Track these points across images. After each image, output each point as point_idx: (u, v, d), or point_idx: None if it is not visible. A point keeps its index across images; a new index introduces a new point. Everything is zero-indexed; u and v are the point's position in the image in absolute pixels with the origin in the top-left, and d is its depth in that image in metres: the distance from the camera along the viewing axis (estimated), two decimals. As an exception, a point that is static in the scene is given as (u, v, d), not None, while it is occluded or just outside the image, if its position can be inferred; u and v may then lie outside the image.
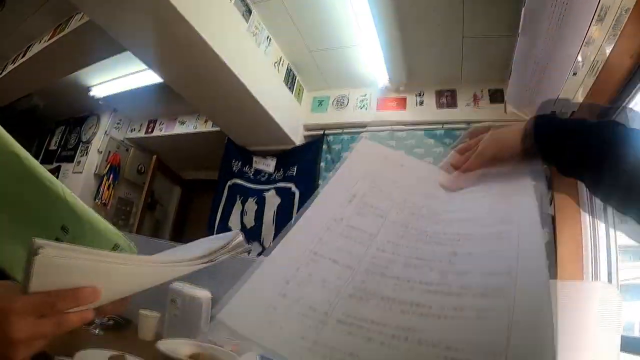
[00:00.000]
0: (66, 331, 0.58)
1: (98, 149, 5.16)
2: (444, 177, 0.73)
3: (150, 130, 5.35)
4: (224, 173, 4.49)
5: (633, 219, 0.59)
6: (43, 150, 5.81)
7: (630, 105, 2.33)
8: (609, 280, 2.56)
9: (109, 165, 5.16)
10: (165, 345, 1.18)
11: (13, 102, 4.95)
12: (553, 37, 2.34)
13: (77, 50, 3.73)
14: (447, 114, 3.80)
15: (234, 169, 4.45)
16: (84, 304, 0.58)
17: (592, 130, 0.65)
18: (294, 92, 4.03)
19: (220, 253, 0.72)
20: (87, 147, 5.21)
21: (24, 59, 4.13)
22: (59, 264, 0.54)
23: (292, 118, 4.04)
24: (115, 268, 0.60)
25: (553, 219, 2.94)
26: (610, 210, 2.57)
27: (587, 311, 1.37)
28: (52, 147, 5.73)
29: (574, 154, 0.65)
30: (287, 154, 4.22)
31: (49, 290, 0.55)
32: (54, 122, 5.84)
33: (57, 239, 0.72)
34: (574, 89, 2.51)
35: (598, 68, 2.23)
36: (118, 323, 1.80)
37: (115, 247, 0.78)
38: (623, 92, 2.29)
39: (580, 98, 2.45)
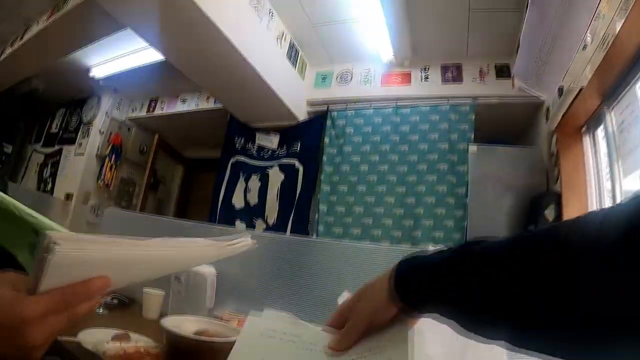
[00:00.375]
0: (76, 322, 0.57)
1: (99, 130, 5.13)
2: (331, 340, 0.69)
3: (151, 109, 5.30)
4: (226, 150, 4.47)
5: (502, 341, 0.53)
6: (44, 134, 5.79)
7: (638, 85, 2.28)
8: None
9: (110, 146, 5.14)
10: (170, 322, 1.15)
11: (13, 86, 4.91)
12: (562, 10, 2.29)
13: (76, 30, 3.67)
14: (452, 89, 3.77)
15: (236, 146, 4.43)
16: (96, 296, 0.57)
17: (442, 269, 0.59)
18: (297, 67, 3.99)
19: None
20: (89, 128, 5.18)
21: (22, 41, 4.07)
22: (74, 258, 0.51)
23: (295, 93, 4.00)
24: (127, 255, 0.58)
25: (559, 195, 2.91)
26: (618, 183, 2.54)
27: None
28: (54, 130, 5.70)
29: (429, 297, 0.61)
30: (290, 130, 4.20)
31: (60, 288, 0.53)
32: (55, 104, 5.79)
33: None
34: (582, 64, 2.46)
35: (608, 43, 2.17)
36: (122, 302, 1.79)
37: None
38: (633, 68, 2.24)
39: (588, 74, 2.39)
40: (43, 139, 5.76)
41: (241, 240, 0.75)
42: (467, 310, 0.56)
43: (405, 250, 1.49)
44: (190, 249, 0.68)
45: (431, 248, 1.19)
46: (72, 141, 5.30)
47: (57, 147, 5.43)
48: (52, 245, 0.48)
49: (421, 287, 0.61)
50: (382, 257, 1.44)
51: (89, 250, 0.52)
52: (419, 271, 0.62)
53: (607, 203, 2.71)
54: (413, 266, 0.64)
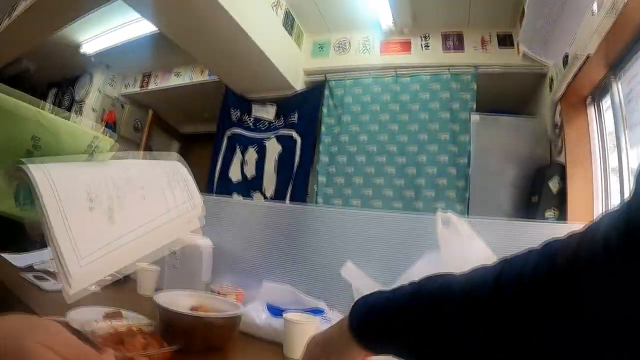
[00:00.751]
0: None
1: (92, 108, 5.07)
2: None
3: (144, 84, 5.21)
4: (222, 123, 4.41)
5: None
6: (37, 115, 5.70)
7: None
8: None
9: (104, 124, 5.07)
10: (164, 298, 1.09)
11: (3, 68, 4.79)
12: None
13: (64, 3, 3.56)
14: (453, 58, 3.70)
15: (232, 118, 4.37)
16: None
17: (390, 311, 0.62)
18: (293, 36, 3.91)
19: None
20: (81, 106, 5.11)
21: (10, 20, 3.94)
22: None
23: (292, 63, 3.94)
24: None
25: (563, 167, 2.87)
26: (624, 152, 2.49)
27: None
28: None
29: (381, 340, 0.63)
30: (287, 101, 4.13)
31: None
32: (47, 84, 5.70)
33: (28, 152, 0.71)
34: (590, 31, 2.38)
35: (617, 9, 2.09)
36: (116, 279, 1.73)
37: (90, 146, 0.77)
38: None
39: (596, 41, 2.32)
40: (36, 120, 5.68)
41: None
42: (416, 354, 0.58)
43: (408, 217, 1.42)
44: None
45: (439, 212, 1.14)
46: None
47: (50, 128, 5.35)
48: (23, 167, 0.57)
49: (372, 331, 0.63)
50: (384, 224, 1.38)
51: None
52: (370, 315, 0.64)
53: (612, 176, 2.68)
54: (365, 310, 0.66)
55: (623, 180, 2.50)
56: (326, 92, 3.99)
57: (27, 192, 0.68)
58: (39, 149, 0.71)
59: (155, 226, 0.74)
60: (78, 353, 0.53)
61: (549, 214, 2.85)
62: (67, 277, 0.62)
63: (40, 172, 0.60)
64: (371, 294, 0.67)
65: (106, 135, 0.80)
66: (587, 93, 2.85)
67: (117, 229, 0.68)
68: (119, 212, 0.69)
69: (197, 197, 0.85)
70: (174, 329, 1.01)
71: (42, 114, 0.75)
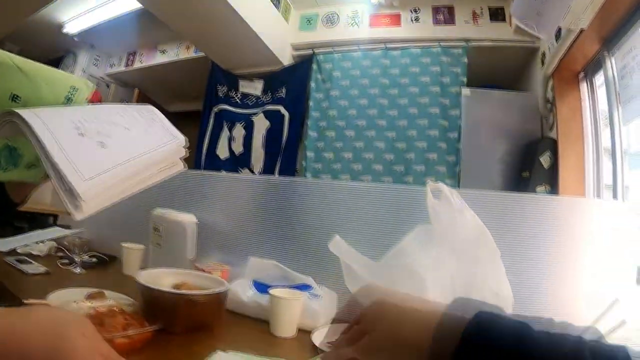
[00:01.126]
0: None
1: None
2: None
3: (130, 63, 5.15)
4: (209, 100, 4.36)
5: None
6: (22, 98, 5.60)
7: None
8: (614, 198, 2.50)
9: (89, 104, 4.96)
10: (146, 276, 1.05)
11: (-16, 51, 4.69)
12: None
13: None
14: (444, 31, 3.67)
15: (219, 94, 4.32)
16: None
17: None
18: (280, 9, 3.84)
19: None
20: (66, 87, 5.00)
21: (-12, 2, 3.83)
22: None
23: (280, 37, 3.89)
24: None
25: (555, 142, 2.86)
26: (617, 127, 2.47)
27: (594, 232, 1.27)
28: (31, 93, 5.51)
29: None
30: (275, 76, 4.09)
31: None
32: (31, 66, 5.58)
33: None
34: (584, 4, 2.35)
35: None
36: (102, 260, 1.70)
37: (72, 89, 0.81)
38: (638, 9, 2.16)
39: (589, 15, 2.28)
40: (21, 104, 5.59)
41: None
42: None
43: (398, 189, 1.39)
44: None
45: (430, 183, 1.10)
46: (49, 103, 5.15)
47: (34, 113, 5.28)
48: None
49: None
50: (373, 197, 1.35)
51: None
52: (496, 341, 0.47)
53: (603, 153, 2.68)
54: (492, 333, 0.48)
55: (615, 157, 2.49)
56: (314, 66, 3.94)
57: (8, 155, 0.74)
58: (18, 100, 0.73)
59: (147, 158, 0.75)
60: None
61: (540, 189, 2.84)
62: (74, 190, 0.61)
63: (28, 112, 0.63)
64: (503, 318, 0.50)
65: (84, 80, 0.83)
66: (580, 68, 2.84)
67: (110, 154, 0.69)
68: (109, 141, 0.70)
69: (179, 135, 0.82)
70: (155, 308, 0.98)
71: (20, 60, 0.78)
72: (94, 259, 1.68)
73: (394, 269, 1.07)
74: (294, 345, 1.03)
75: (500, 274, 1.09)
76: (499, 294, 1.08)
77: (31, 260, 1.52)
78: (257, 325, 1.13)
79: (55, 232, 1.90)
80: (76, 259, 1.53)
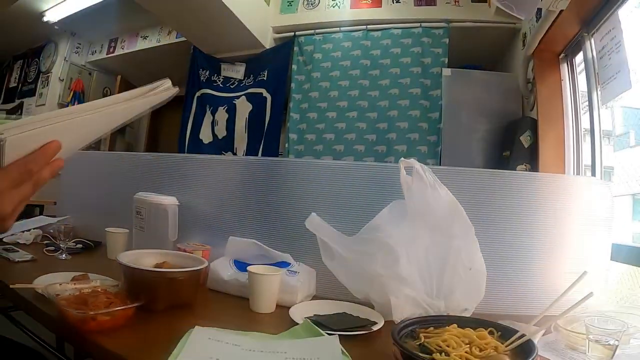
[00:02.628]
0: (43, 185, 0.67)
1: (59, 77, 4.97)
2: None
3: (111, 50, 5.10)
4: (191, 84, 4.35)
5: None
6: (3, 90, 5.57)
7: (620, 10, 2.20)
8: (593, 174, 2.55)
9: (72, 93, 4.99)
10: (127, 257, 1.08)
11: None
12: None
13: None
14: (425, 12, 3.66)
15: (201, 78, 4.31)
16: (52, 158, 0.65)
17: None
18: (261, -8, 3.82)
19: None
20: (48, 77, 5.02)
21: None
22: (23, 137, 0.61)
23: (260, 20, 3.87)
24: (70, 123, 0.67)
25: (535, 122, 2.89)
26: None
27: (573, 209, 1.31)
28: (13, 84, 5.48)
29: None
30: (257, 59, 4.09)
31: (21, 159, 0.62)
32: (11, 57, 5.56)
33: None
34: None
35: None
36: (87, 246, 1.72)
37: None
38: None
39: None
40: (2, 95, 5.55)
41: (162, 84, 0.79)
42: None
43: (376, 167, 1.42)
44: (118, 104, 0.73)
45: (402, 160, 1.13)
46: (32, 93, 5.13)
47: (17, 102, 5.25)
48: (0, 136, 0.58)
49: None
50: (351, 175, 1.37)
51: (31, 128, 0.61)
52: None
53: (583, 133, 2.72)
54: None
55: (594, 137, 2.54)
56: (296, 48, 3.94)
57: None
58: None
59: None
60: None
61: (521, 168, 2.88)
62: None
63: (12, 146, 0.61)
64: None
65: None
66: (560, 49, 2.87)
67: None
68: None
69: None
70: (136, 286, 1.01)
71: None
72: (80, 245, 1.69)
73: (367, 243, 1.11)
74: (272, 321, 1.05)
75: (474, 248, 1.13)
76: (472, 267, 1.11)
77: (17, 249, 1.54)
78: (237, 303, 1.15)
79: (40, 220, 1.91)
80: (62, 246, 1.55)
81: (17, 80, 5.41)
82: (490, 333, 0.85)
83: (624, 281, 1.64)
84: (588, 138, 2.65)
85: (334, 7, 3.86)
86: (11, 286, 1.07)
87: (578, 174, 2.74)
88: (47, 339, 1.25)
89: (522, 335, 0.80)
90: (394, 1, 3.72)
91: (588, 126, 2.64)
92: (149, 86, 0.77)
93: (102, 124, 0.76)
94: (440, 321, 0.92)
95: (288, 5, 4.00)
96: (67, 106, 4.66)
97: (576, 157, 2.79)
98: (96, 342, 0.83)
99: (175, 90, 0.82)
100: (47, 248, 1.61)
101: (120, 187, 1.79)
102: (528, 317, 0.93)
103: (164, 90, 0.79)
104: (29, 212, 2.72)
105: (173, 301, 1.03)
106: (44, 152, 0.63)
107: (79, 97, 4.98)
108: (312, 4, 3.93)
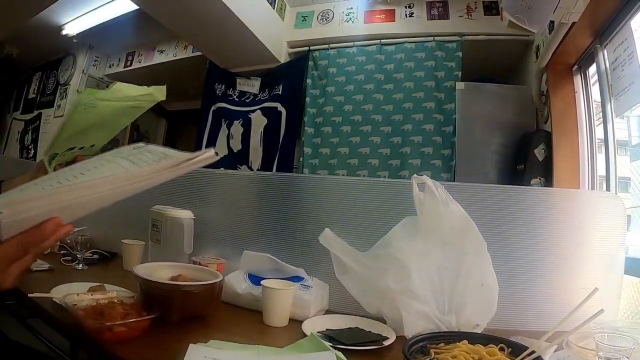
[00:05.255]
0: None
1: (77, 89, 4.99)
2: None
3: (129, 63, 5.15)
4: (207, 98, 4.38)
5: None
6: (22, 100, 5.64)
7: (633, 21, 2.19)
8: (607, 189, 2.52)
9: (90, 105, 5.00)
10: (143, 269, 1.10)
11: (-15, 53, 4.74)
12: None
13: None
14: (438, 26, 3.67)
15: (217, 92, 4.34)
16: (51, 236, 0.60)
17: None
18: (275, 7, 3.85)
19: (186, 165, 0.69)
20: (66, 89, 5.05)
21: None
22: (21, 220, 0.57)
23: (275, 35, 3.90)
24: (74, 202, 0.61)
25: (549, 135, 2.87)
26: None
27: (586, 224, 1.31)
28: (31, 95, 5.54)
29: None
30: (271, 73, 4.11)
31: (17, 236, 0.58)
32: (30, 69, 5.62)
33: None
34: None
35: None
36: (103, 256, 1.75)
37: None
38: (628, 1, 2.16)
39: (581, 7, 2.29)
40: (22, 105, 5.61)
41: (204, 152, 0.70)
42: None
43: (389, 183, 1.43)
44: (138, 176, 0.66)
45: (415, 176, 1.14)
46: (50, 104, 5.17)
47: (36, 113, 5.30)
48: None
49: None
50: (364, 191, 1.39)
51: (32, 209, 0.57)
52: None
53: (598, 145, 2.69)
54: None
55: (609, 149, 2.51)
56: (310, 63, 3.96)
57: None
58: None
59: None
60: None
61: (535, 181, 2.86)
62: None
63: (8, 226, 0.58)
64: None
65: None
66: (573, 61, 2.84)
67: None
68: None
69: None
70: (152, 298, 1.03)
71: None
72: (96, 256, 1.73)
73: (380, 259, 1.12)
74: (284, 335, 1.07)
75: (486, 264, 1.13)
76: (484, 283, 1.12)
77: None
78: (251, 316, 1.17)
79: (58, 231, 1.93)
80: (78, 256, 1.58)
81: (36, 91, 5.48)
82: (501, 349, 0.86)
83: (638, 296, 1.62)
84: (603, 149, 2.62)
85: (347, 21, 3.89)
86: (29, 295, 1.10)
87: (593, 186, 2.71)
88: (60, 344, 1.27)
89: (532, 352, 0.80)
90: (407, 15, 3.74)
91: (602, 137, 2.61)
92: (184, 156, 0.69)
93: (118, 196, 0.67)
94: (450, 337, 0.92)
95: (302, 20, 4.04)
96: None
97: (591, 169, 2.76)
98: (112, 352, 0.85)
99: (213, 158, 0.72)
100: (64, 258, 1.64)
101: (136, 200, 1.79)
102: (539, 333, 0.93)
103: (202, 160, 0.70)
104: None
105: (188, 313, 1.05)
106: (41, 231, 0.59)
107: (96, 109, 5.05)
108: (326, 19, 3.96)
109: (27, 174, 1.12)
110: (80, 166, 0.69)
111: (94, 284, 1.20)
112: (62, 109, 4.99)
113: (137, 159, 0.68)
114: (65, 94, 5.01)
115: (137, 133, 5.52)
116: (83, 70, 5.04)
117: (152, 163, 0.67)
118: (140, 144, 0.77)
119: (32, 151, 5.15)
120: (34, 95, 5.48)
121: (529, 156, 2.91)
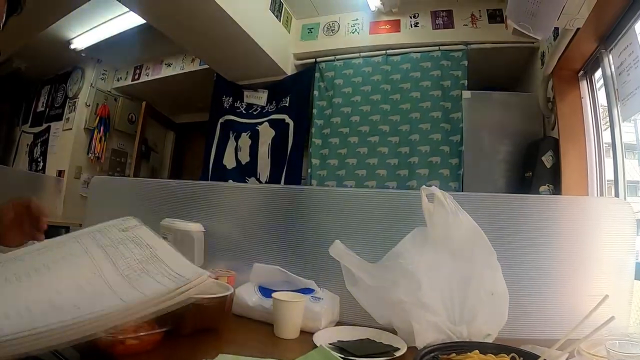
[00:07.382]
0: None
1: (85, 103, 5.07)
2: None
3: (136, 77, 5.21)
4: (215, 111, 4.42)
5: None
6: (31, 113, 5.69)
7: (637, 25, 2.18)
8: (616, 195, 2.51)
9: (98, 118, 5.09)
10: (153, 283, 1.11)
11: (-6, 67, 4.78)
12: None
13: (51, 1, 3.53)
14: (443, 35, 3.69)
15: (225, 105, 4.37)
16: None
17: None
18: (281, 20, 3.89)
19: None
20: (74, 102, 5.11)
21: (-3, 20, 3.91)
22: None
23: (282, 47, 3.94)
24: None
25: (557, 141, 2.86)
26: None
27: (595, 230, 1.30)
28: (40, 108, 5.60)
29: None
30: (278, 85, 4.14)
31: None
32: (39, 82, 5.69)
33: None
34: (579, 2, 2.35)
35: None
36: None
37: None
38: (632, 6, 2.16)
39: (585, 13, 2.29)
40: (30, 118, 5.68)
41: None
42: None
43: (398, 194, 1.44)
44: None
45: (424, 187, 1.14)
46: (59, 117, 5.23)
47: (44, 126, 5.36)
48: None
49: None
50: (373, 202, 1.40)
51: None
52: None
53: (605, 150, 2.68)
54: None
55: (617, 155, 2.50)
56: (317, 74, 3.99)
57: None
58: None
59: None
60: None
61: (543, 188, 2.85)
62: None
63: None
64: None
65: None
66: (578, 67, 2.84)
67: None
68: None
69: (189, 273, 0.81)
70: (165, 312, 1.03)
71: None
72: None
73: (390, 270, 1.12)
74: (295, 347, 1.06)
75: (496, 273, 1.12)
76: (495, 293, 1.11)
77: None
78: (262, 328, 1.17)
79: (68, 243, 1.94)
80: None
81: (44, 104, 5.54)
82: (512, 359, 0.85)
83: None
84: (611, 154, 2.61)
85: (353, 33, 3.92)
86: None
87: (601, 190, 2.70)
88: (70, 356, 1.28)
89: (544, 361, 0.80)
90: (413, 25, 3.76)
91: (610, 142, 2.60)
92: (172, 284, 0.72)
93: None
94: (462, 347, 0.92)
95: (308, 32, 4.08)
96: (93, 131, 4.90)
97: (599, 174, 2.75)
98: (124, 366, 0.85)
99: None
100: (77, 272, 1.65)
101: (146, 213, 1.81)
102: (551, 342, 0.92)
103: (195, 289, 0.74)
104: (55, 233, 2.78)
105: (199, 326, 1.05)
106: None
107: (105, 122, 5.09)
108: (332, 31, 4.00)
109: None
110: (43, 255, 0.73)
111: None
112: (70, 121, 5.05)
113: (114, 253, 0.69)
114: (74, 107, 5.08)
115: (145, 146, 5.56)
116: (91, 84, 5.12)
117: (132, 263, 0.70)
118: (129, 224, 0.78)
119: (41, 164, 5.19)
120: (43, 109, 5.54)
121: (536, 163, 2.91)
